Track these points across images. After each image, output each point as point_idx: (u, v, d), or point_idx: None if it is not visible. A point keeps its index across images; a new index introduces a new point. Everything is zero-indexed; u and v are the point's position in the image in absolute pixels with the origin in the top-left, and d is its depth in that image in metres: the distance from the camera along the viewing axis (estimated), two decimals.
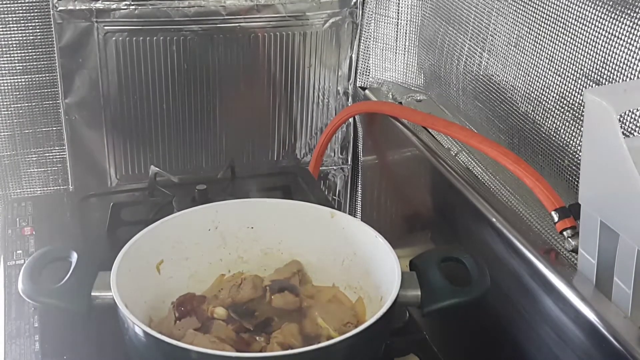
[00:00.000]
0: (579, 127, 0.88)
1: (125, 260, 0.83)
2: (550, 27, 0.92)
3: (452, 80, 1.15)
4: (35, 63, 1.23)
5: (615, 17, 0.81)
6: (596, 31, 0.84)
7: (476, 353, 0.99)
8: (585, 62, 0.86)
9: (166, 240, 0.91)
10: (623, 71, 0.80)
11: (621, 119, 0.79)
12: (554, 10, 0.91)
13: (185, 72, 1.27)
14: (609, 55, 0.82)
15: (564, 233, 0.84)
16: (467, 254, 0.86)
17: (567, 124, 0.90)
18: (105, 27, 1.21)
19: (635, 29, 0.78)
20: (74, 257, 0.84)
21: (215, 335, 0.81)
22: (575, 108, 0.89)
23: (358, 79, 1.36)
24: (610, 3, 0.81)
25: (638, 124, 0.79)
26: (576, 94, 0.88)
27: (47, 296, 0.81)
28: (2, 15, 1.19)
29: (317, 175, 1.39)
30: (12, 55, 1.22)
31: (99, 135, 1.27)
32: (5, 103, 1.24)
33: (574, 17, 0.87)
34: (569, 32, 0.88)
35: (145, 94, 1.27)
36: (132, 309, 0.79)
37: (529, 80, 0.96)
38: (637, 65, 0.78)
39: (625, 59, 0.80)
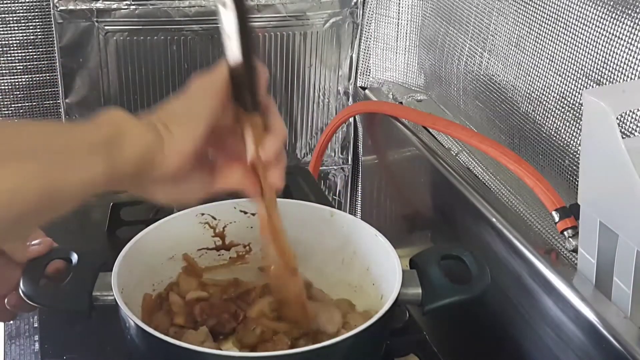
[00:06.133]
0: (580, 127, 0.88)
1: (125, 260, 0.83)
2: (551, 27, 0.92)
3: (452, 80, 1.15)
4: (35, 63, 1.23)
5: (616, 17, 0.81)
6: (597, 31, 0.84)
7: (476, 353, 0.99)
8: (586, 62, 0.86)
9: (166, 240, 0.91)
10: (624, 71, 0.80)
11: (621, 119, 0.79)
12: (554, 10, 0.91)
13: (185, 72, 1.27)
14: (609, 55, 0.82)
15: (565, 233, 0.84)
16: (467, 252, 0.86)
17: (568, 124, 0.90)
18: (106, 27, 1.21)
19: (635, 29, 0.78)
20: (74, 257, 0.84)
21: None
22: (576, 108, 0.89)
23: (358, 79, 1.36)
24: (611, 3, 0.81)
25: (639, 124, 0.79)
26: (577, 94, 0.88)
27: (48, 297, 0.81)
28: (3, 15, 1.19)
29: (317, 175, 1.39)
30: (13, 54, 1.22)
31: None
32: (5, 103, 1.24)
33: (575, 17, 0.87)
34: (570, 32, 0.88)
35: (146, 94, 1.27)
36: (133, 309, 0.79)
37: (530, 80, 0.96)
38: (638, 65, 0.78)
39: (626, 58, 0.80)
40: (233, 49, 0.68)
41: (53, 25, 1.19)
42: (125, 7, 1.21)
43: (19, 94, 1.24)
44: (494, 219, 0.93)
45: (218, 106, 0.69)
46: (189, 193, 0.73)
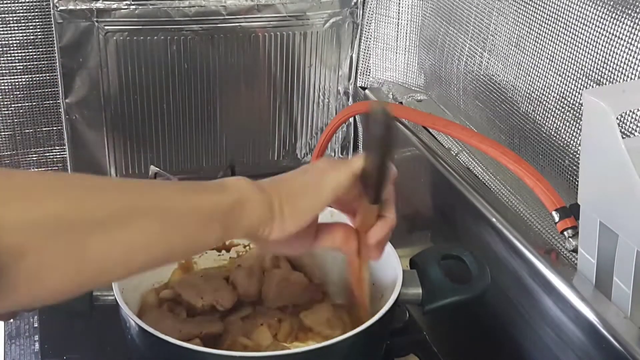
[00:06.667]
0: (580, 127, 0.88)
1: None
2: (551, 27, 0.92)
3: (452, 80, 1.15)
4: (35, 62, 1.23)
5: (616, 17, 0.81)
6: (597, 31, 0.84)
7: (476, 353, 0.99)
8: (586, 62, 0.86)
9: None
10: (624, 71, 0.80)
11: (621, 119, 0.79)
12: (554, 10, 0.91)
13: (185, 72, 1.27)
14: (609, 55, 0.82)
15: (565, 233, 0.84)
16: (467, 252, 0.86)
17: (567, 124, 0.90)
18: (106, 27, 1.21)
19: (635, 29, 0.78)
20: None
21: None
22: (576, 108, 0.89)
23: (358, 79, 1.36)
24: (611, 3, 0.81)
25: (639, 124, 0.79)
26: (577, 94, 0.88)
27: None
28: (3, 15, 1.19)
29: None
30: (13, 54, 1.22)
31: (99, 135, 1.27)
32: (5, 103, 1.24)
33: (575, 17, 0.87)
34: (570, 32, 0.88)
35: (146, 94, 1.27)
36: (134, 309, 0.79)
37: (530, 80, 0.96)
38: (638, 66, 0.78)
39: (626, 58, 0.80)
40: (373, 153, 0.75)
41: (53, 25, 1.19)
42: (125, 7, 1.21)
43: (19, 94, 1.24)
44: (494, 219, 0.93)
45: (333, 199, 0.73)
46: (290, 250, 0.80)
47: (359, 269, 0.80)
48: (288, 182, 0.72)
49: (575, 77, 0.88)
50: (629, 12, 0.79)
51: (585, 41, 0.86)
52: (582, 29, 0.86)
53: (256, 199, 0.68)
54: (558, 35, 0.90)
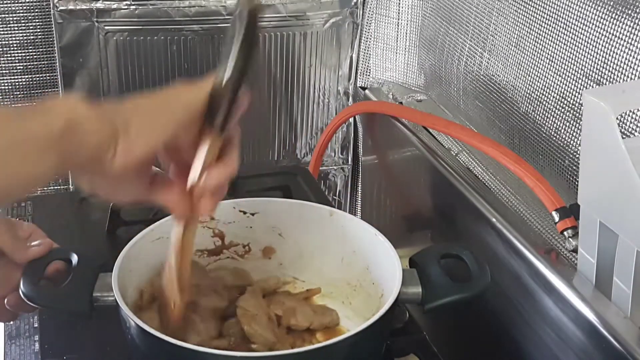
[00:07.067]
0: (580, 127, 0.88)
1: (126, 261, 0.83)
2: (551, 27, 0.92)
3: (452, 80, 1.15)
4: (35, 63, 1.23)
5: (616, 17, 0.81)
6: (597, 31, 0.84)
7: (476, 353, 0.99)
8: (586, 62, 0.86)
9: (167, 240, 0.91)
10: (624, 71, 0.80)
11: (621, 119, 0.79)
12: (554, 10, 0.91)
13: (185, 72, 1.27)
14: (609, 55, 0.82)
15: (565, 233, 0.84)
16: (467, 250, 0.86)
17: (567, 124, 0.90)
18: (106, 27, 1.21)
19: (635, 29, 0.78)
20: (75, 258, 0.84)
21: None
22: (576, 108, 0.89)
23: (358, 79, 1.36)
24: (611, 3, 0.81)
25: (639, 124, 0.79)
26: (577, 94, 0.88)
27: (48, 298, 0.81)
28: (3, 15, 1.19)
29: (317, 175, 1.39)
30: (13, 54, 1.22)
31: None
32: (5, 103, 1.24)
33: (575, 17, 0.87)
34: (570, 32, 0.88)
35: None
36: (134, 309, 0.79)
37: (530, 80, 0.97)
38: (638, 66, 0.78)
39: (625, 59, 0.80)
40: (228, 67, 0.67)
41: (53, 25, 1.20)
42: (125, 7, 1.21)
43: (19, 94, 1.24)
44: (494, 219, 0.93)
45: (186, 121, 0.67)
46: (123, 195, 0.72)
47: (185, 238, 0.74)
48: (134, 101, 0.66)
49: (575, 77, 0.88)
50: (629, 12, 0.79)
51: (585, 41, 0.86)
52: (582, 29, 0.86)
53: (92, 117, 0.61)
54: (558, 35, 0.90)
